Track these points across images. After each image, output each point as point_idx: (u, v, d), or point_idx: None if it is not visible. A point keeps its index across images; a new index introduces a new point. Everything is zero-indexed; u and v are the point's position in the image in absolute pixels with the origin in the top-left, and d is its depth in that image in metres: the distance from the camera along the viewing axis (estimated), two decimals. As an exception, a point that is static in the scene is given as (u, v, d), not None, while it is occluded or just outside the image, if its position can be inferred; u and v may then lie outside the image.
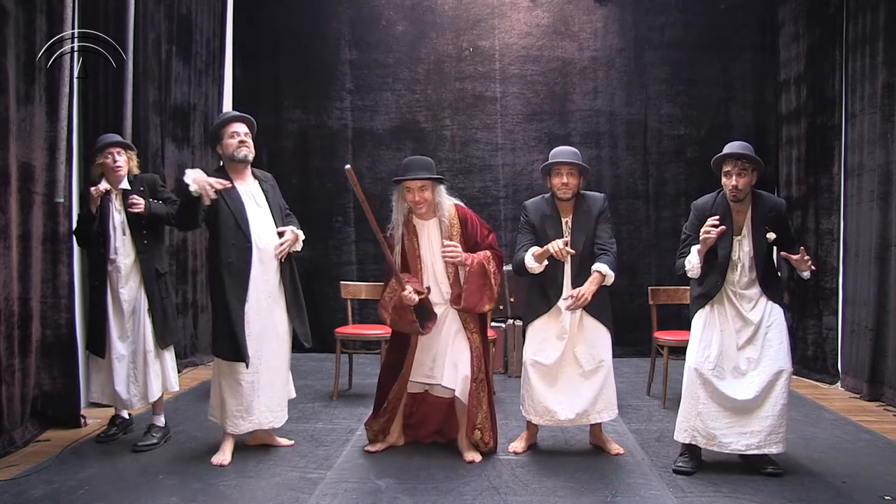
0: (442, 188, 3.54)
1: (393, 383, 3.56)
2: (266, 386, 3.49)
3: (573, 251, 3.44)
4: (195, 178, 3.24)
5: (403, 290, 3.35)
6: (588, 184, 4.47)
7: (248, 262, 3.39)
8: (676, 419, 3.38)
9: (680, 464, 3.34)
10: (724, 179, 3.34)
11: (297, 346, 3.66)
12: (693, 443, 3.33)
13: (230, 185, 3.38)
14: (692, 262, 3.36)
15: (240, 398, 3.43)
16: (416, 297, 3.37)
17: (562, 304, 3.49)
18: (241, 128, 3.51)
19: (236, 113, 3.57)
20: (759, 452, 3.26)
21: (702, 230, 3.27)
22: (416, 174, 3.45)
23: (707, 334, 3.35)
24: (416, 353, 3.55)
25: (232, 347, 3.36)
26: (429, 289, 3.49)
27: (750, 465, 3.34)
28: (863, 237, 4.99)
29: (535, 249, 3.49)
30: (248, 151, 3.50)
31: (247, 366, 3.38)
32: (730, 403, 3.27)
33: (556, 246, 3.33)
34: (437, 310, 3.53)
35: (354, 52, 6.59)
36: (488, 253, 3.54)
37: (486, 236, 3.60)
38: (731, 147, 3.33)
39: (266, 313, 3.47)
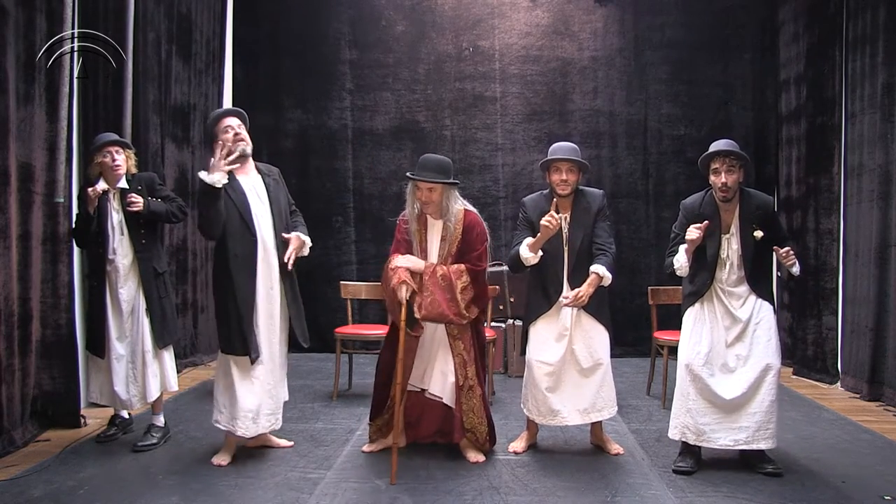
0: (454, 192, 3.48)
1: (389, 385, 3.51)
2: (270, 386, 3.46)
3: (559, 216, 3.41)
4: (209, 170, 3.23)
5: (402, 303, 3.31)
6: (588, 183, 4.47)
7: (253, 256, 3.37)
8: (670, 416, 3.41)
9: (680, 464, 3.35)
10: (712, 178, 3.36)
11: (295, 347, 3.64)
12: (684, 439, 3.35)
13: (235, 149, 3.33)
14: (680, 262, 3.39)
15: (252, 399, 3.37)
16: (405, 298, 3.33)
17: (561, 300, 3.50)
18: (233, 121, 3.43)
19: (227, 108, 3.49)
20: (748, 448, 3.28)
21: (688, 230, 3.29)
22: (428, 175, 3.40)
23: (697, 331, 3.38)
24: (413, 358, 3.52)
25: (242, 341, 3.31)
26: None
27: (750, 465, 3.34)
28: (863, 237, 4.99)
29: (529, 240, 3.48)
30: (246, 144, 3.43)
31: (252, 361, 3.33)
32: (718, 400, 3.29)
33: (545, 219, 3.33)
34: None
35: (354, 52, 6.58)
36: (462, 267, 3.44)
37: (476, 249, 3.49)
38: (718, 145, 3.35)
39: (270, 311, 3.44)
